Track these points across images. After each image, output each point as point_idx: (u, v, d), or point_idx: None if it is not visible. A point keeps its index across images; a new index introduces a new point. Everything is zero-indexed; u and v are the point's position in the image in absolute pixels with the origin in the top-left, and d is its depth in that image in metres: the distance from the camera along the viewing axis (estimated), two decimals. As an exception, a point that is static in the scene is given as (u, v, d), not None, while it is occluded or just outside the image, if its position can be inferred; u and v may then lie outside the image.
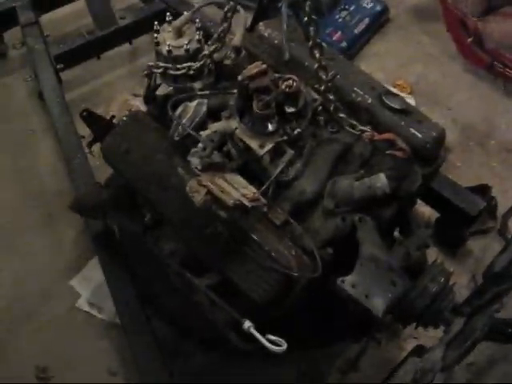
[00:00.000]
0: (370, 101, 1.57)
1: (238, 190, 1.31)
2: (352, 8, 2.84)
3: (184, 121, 1.46)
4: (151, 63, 1.56)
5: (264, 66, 1.39)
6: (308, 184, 1.45)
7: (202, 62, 1.51)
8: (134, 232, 1.70)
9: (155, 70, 1.54)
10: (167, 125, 1.56)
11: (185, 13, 1.56)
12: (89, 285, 2.12)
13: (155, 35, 1.55)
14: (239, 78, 1.38)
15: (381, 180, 1.44)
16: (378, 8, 2.89)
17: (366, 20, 2.83)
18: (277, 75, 1.43)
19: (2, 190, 2.44)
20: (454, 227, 2.08)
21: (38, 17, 2.77)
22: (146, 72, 1.57)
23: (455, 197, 2.00)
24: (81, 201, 1.85)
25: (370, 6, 2.87)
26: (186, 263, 1.54)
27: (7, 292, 2.14)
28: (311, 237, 1.42)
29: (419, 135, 1.53)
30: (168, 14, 1.58)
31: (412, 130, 1.54)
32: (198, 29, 1.56)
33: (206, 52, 1.50)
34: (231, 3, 1.46)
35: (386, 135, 1.50)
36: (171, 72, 1.52)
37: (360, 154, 1.53)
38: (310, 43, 1.41)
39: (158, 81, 1.59)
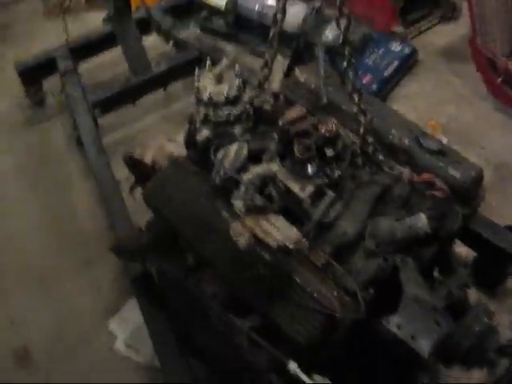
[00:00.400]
0: (407, 142, 1.60)
1: (281, 232, 1.33)
2: (381, 51, 2.90)
3: (225, 164, 1.49)
4: (192, 109, 1.60)
5: (304, 110, 1.42)
6: (349, 225, 1.47)
7: (242, 109, 1.54)
8: (175, 275, 1.72)
9: (196, 116, 1.58)
10: (207, 169, 1.60)
11: (224, 60, 1.61)
12: (126, 327, 2.13)
13: (196, 82, 1.60)
14: (280, 122, 1.42)
15: (421, 220, 1.45)
16: (407, 51, 2.94)
17: (396, 63, 2.88)
18: (316, 119, 1.47)
19: (42, 232, 2.50)
20: (493, 267, 2.05)
21: (75, 65, 2.88)
22: (187, 118, 1.61)
23: (494, 236, 1.98)
24: (121, 244, 1.88)
25: (398, 49, 2.93)
26: (227, 305, 1.55)
27: (46, 334, 2.17)
28: (353, 278, 1.42)
29: (458, 175, 1.55)
30: (208, 61, 1.63)
31: (450, 171, 1.56)
32: (237, 75, 1.60)
33: (246, 98, 1.53)
34: (272, 51, 1.50)
35: (425, 176, 1.52)
36: (212, 118, 1.56)
37: (399, 195, 1.55)
38: (349, 87, 1.45)
39: (198, 126, 1.63)
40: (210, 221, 1.50)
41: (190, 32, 2.99)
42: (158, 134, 2.80)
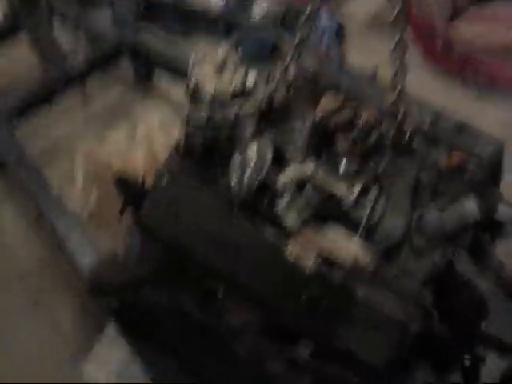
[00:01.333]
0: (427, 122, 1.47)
1: (347, 245, 1.14)
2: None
3: (249, 172, 1.26)
4: (189, 112, 1.33)
5: (340, 98, 1.23)
6: (395, 223, 1.31)
7: (255, 104, 1.31)
8: (179, 306, 1.48)
9: (196, 121, 1.32)
10: (212, 179, 1.37)
11: (221, 48, 1.36)
12: (108, 367, 1.82)
13: (191, 79, 1.34)
14: (316, 114, 1.21)
15: (471, 206, 1.33)
16: (335, 24, 2.81)
17: (329, 37, 2.74)
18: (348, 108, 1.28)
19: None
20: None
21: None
22: (184, 124, 1.35)
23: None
24: (102, 278, 1.57)
25: (327, 23, 2.78)
26: (264, 334, 1.35)
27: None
28: (409, 280, 1.28)
29: (488, 150, 1.45)
30: (201, 51, 1.37)
31: (479, 147, 1.45)
32: (236, 64, 1.36)
33: (268, 91, 1.30)
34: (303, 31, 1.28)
35: (458, 157, 1.40)
36: (218, 119, 1.32)
37: (428, 182, 1.42)
38: (397, 67, 1.27)
39: (197, 131, 1.37)
40: (242, 241, 1.27)
41: (102, 21, 2.63)
42: (82, 137, 2.48)
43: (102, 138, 2.46)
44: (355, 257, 1.11)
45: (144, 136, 2.45)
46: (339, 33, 2.85)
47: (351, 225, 1.26)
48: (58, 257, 1.99)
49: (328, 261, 1.12)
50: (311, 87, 1.50)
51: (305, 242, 1.13)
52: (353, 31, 2.96)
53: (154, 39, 2.54)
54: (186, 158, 1.42)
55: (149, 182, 1.44)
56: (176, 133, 2.41)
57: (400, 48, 1.23)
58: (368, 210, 1.26)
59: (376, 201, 1.29)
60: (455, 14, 2.56)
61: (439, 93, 2.66)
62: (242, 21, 2.67)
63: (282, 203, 1.18)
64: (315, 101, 1.41)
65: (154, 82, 2.70)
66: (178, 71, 2.41)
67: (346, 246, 1.12)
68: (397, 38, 1.22)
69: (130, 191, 1.41)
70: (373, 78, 1.69)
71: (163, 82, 2.67)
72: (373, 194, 1.28)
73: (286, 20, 2.59)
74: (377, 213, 1.30)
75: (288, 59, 1.29)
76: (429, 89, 2.68)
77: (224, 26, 2.70)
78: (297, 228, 1.15)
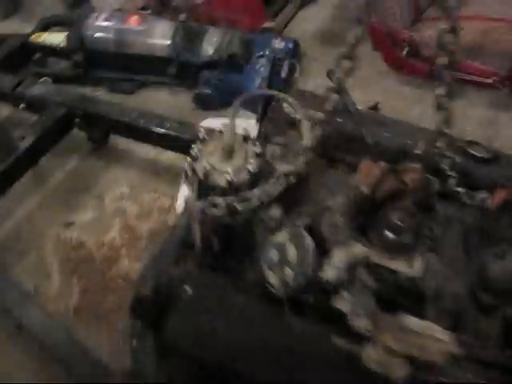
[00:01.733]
0: (457, 159, 1.33)
1: (429, 335, 0.98)
2: (267, 53, 2.57)
3: (293, 267, 1.08)
4: (203, 205, 1.13)
5: (384, 164, 1.07)
6: (457, 285, 1.16)
7: (281, 185, 1.13)
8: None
9: (214, 212, 1.13)
10: (241, 277, 1.19)
11: (222, 123, 1.17)
12: None
13: (194, 164, 1.14)
14: (362, 188, 1.05)
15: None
16: (291, 45, 2.66)
17: (286, 61, 2.59)
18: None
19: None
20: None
21: None
22: (198, 219, 1.15)
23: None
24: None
25: (282, 45, 2.63)
26: None
27: None
28: (487, 345, 1.13)
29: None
30: (202, 130, 1.17)
31: (516, 178, 1.32)
32: (245, 138, 1.18)
33: (290, 168, 1.12)
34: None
35: (503, 194, 1.26)
36: (239, 208, 1.12)
37: (473, 226, 1.28)
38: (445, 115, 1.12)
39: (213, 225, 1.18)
40: (299, 346, 1.09)
41: (43, 86, 2.36)
42: (44, 219, 2.21)
43: (68, 219, 2.21)
44: (447, 351, 0.94)
45: (114, 208, 2.22)
46: (296, 52, 2.71)
47: (415, 302, 1.11)
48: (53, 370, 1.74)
49: (417, 361, 0.95)
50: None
51: (385, 345, 0.95)
52: (308, 50, 2.84)
53: (104, 101, 2.30)
54: (203, 257, 1.23)
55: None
56: (147, 198, 2.24)
57: (447, 95, 1.08)
58: (431, 283, 1.11)
59: (436, 270, 1.14)
60: (416, 18, 2.45)
61: (413, 98, 2.55)
62: (193, 62, 2.49)
63: (344, 302, 1.00)
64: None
65: (111, 145, 2.45)
66: (134, 131, 2.19)
67: (430, 341, 0.96)
68: (443, 87, 1.06)
69: (148, 312, 1.19)
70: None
71: (121, 144, 2.43)
72: (432, 263, 1.13)
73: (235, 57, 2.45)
74: (438, 280, 1.15)
75: (312, 141, 1.10)
76: (400, 97, 2.58)
77: (176, 70, 2.51)
78: (369, 329, 0.98)
